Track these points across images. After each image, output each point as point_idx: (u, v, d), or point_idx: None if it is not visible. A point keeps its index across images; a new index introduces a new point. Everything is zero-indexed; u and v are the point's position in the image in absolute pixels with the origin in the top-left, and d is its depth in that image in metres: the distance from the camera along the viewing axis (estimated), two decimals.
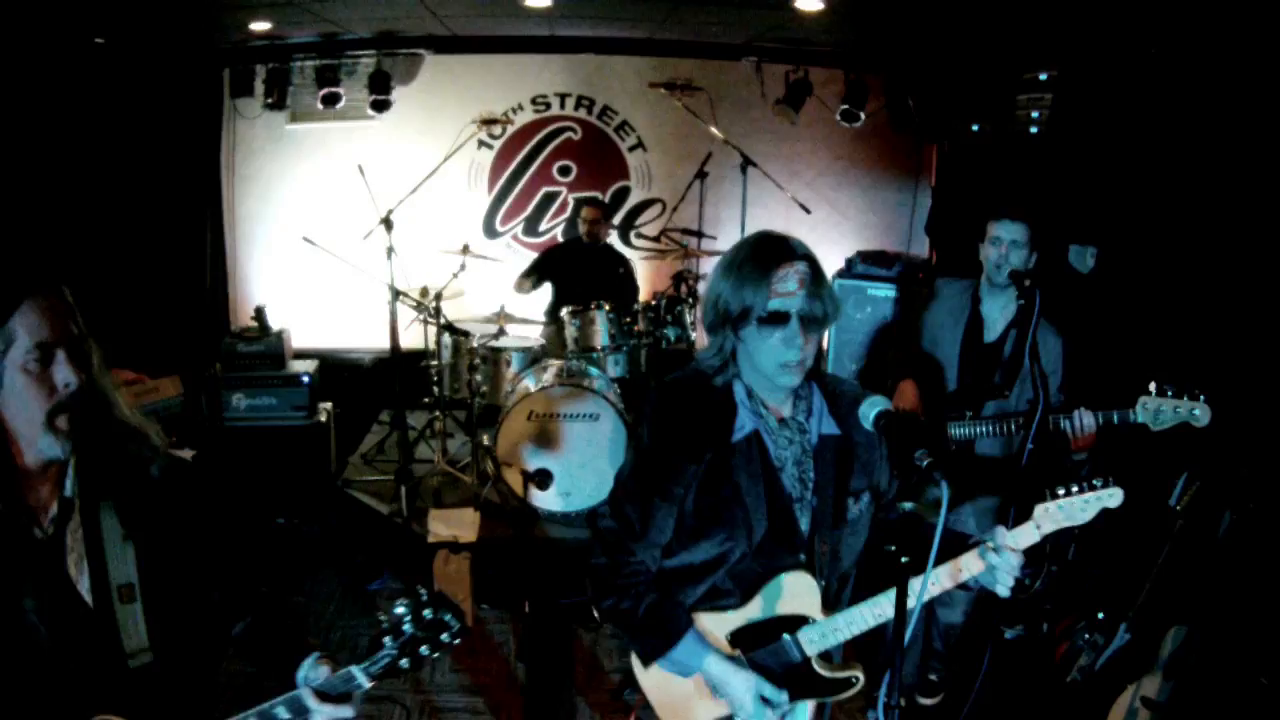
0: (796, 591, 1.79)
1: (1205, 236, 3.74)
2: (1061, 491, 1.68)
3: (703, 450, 1.76)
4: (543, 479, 4.42)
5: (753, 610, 1.80)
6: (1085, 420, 2.71)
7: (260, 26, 5.44)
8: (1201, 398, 2.56)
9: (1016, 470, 2.72)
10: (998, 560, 1.66)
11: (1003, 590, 1.68)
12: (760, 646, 1.81)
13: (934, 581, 1.70)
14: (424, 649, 1.50)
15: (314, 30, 5.71)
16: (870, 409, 1.67)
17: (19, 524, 1.41)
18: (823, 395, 1.84)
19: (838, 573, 1.85)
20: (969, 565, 1.70)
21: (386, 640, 1.49)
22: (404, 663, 1.50)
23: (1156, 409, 2.59)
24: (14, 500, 1.41)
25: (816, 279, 1.70)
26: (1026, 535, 1.69)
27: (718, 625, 1.82)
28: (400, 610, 1.49)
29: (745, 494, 1.76)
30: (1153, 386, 2.60)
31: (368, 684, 1.51)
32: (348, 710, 1.51)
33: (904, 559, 1.43)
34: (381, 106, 6.09)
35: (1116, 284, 4.20)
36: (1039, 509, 1.69)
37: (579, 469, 4.49)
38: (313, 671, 1.53)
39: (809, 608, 1.79)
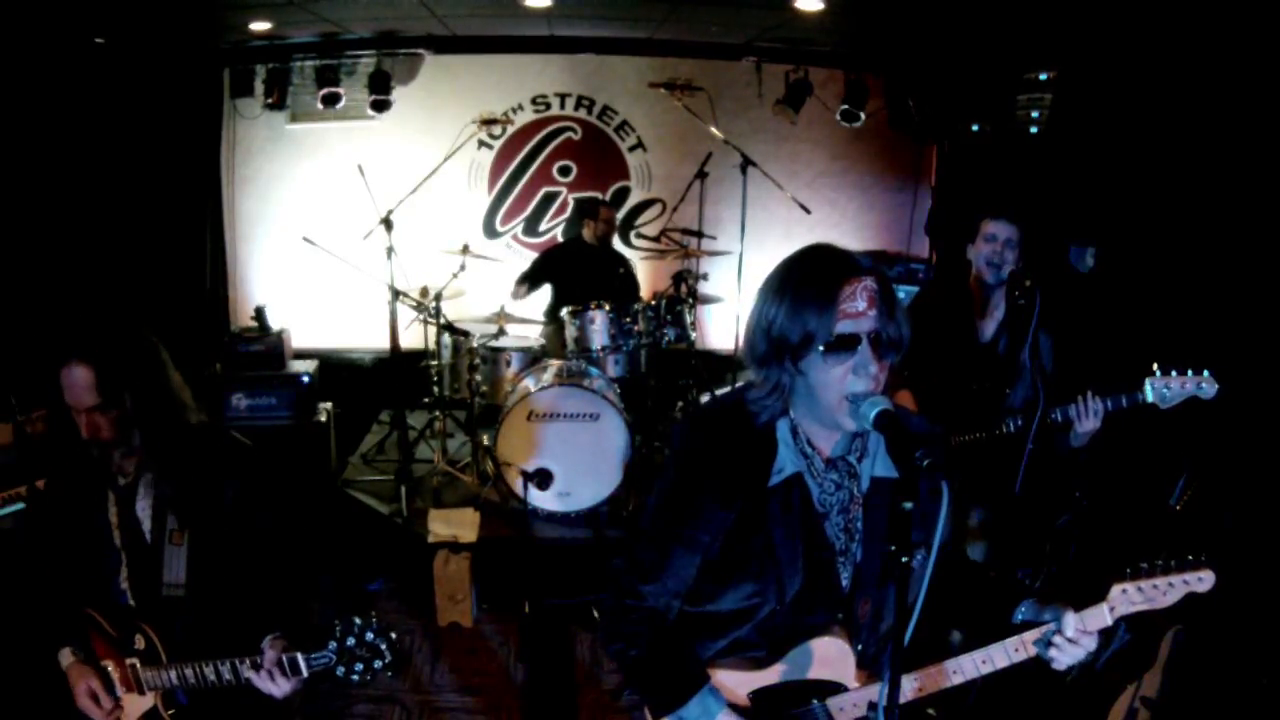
0: (829, 656, 1.64)
1: (1205, 235, 3.74)
2: (1145, 568, 1.52)
3: (734, 495, 1.59)
4: (543, 479, 4.42)
5: (780, 670, 1.65)
6: (1093, 405, 2.69)
7: (260, 26, 5.44)
8: (1206, 371, 2.57)
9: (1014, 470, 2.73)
10: (1067, 648, 1.55)
11: (1059, 665, 1.57)
12: (785, 710, 1.66)
13: (985, 660, 1.59)
14: (358, 666, 1.83)
15: (314, 30, 5.71)
16: (871, 409, 1.46)
17: (107, 470, 2.02)
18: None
19: (879, 634, 1.69)
20: (1029, 646, 1.59)
21: (331, 645, 1.83)
22: (339, 670, 1.83)
23: (1164, 387, 2.60)
24: (101, 456, 1.97)
25: (888, 296, 1.50)
26: (1096, 619, 1.56)
27: (739, 682, 1.67)
28: (349, 624, 1.83)
29: (780, 546, 1.59)
30: (1157, 367, 2.61)
31: (305, 673, 1.85)
32: (274, 688, 1.85)
33: (904, 559, 1.37)
34: (381, 106, 6.09)
35: (1116, 283, 4.20)
36: (1115, 590, 1.54)
37: (579, 469, 4.48)
38: (268, 645, 1.90)
39: (842, 674, 1.65)
